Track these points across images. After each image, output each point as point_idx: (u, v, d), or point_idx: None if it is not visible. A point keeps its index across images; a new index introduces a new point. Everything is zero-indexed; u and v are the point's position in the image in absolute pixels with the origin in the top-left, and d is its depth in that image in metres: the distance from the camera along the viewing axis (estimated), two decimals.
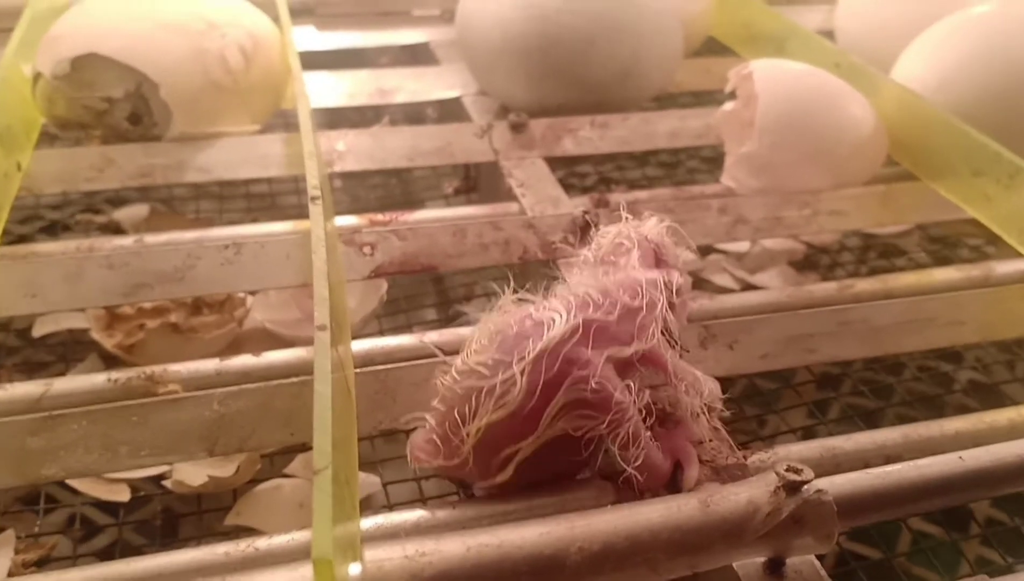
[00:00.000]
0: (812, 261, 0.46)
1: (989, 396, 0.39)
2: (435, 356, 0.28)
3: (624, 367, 0.22)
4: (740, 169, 0.39)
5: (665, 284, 0.23)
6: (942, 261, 0.45)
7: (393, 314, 0.42)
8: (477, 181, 0.49)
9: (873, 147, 0.40)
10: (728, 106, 0.41)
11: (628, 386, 0.22)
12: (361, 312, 0.37)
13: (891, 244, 0.48)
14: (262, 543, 0.22)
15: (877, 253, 0.47)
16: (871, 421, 0.37)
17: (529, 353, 0.21)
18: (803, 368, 0.39)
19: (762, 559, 0.22)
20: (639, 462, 0.22)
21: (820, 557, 0.22)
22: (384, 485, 0.31)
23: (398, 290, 0.42)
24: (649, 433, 0.23)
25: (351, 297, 0.37)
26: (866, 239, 0.48)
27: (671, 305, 0.23)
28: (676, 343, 0.24)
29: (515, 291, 0.23)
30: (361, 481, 0.31)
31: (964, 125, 0.37)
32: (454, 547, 0.20)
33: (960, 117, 0.37)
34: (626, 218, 0.26)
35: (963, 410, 0.33)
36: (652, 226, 0.25)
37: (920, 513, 0.30)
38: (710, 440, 0.26)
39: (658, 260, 0.24)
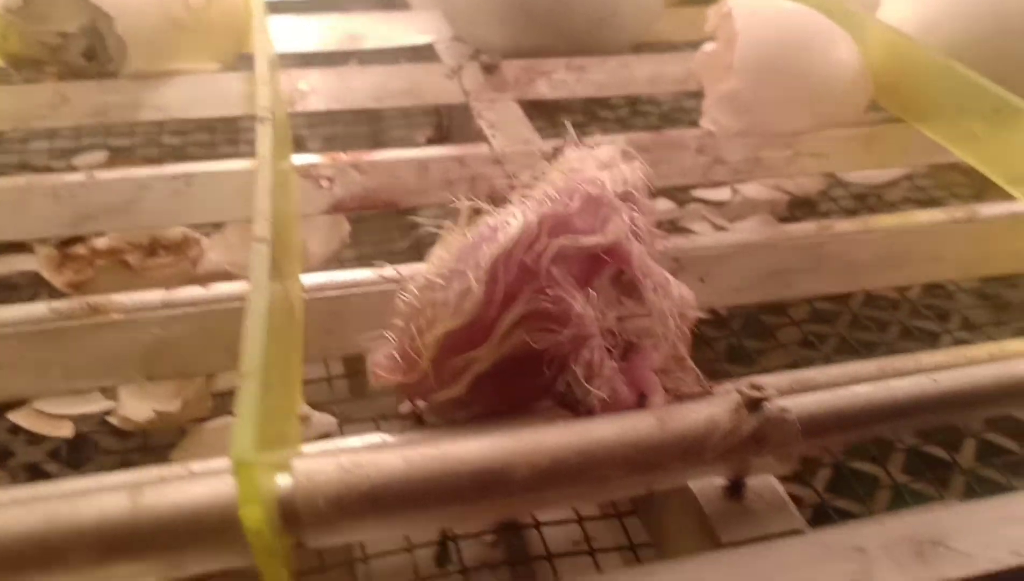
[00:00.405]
0: (795, 212, 0.45)
1: None
2: (388, 285, 0.27)
3: (588, 271, 0.21)
4: (720, 110, 0.37)
5: (626, 180, 0.21)
6: None
7: (358, 259, 0.40)
8: (450, 131, 0.47)
9: (858, 87, 0.38)
10: (708, 48, 0.40)
11: (589, 294, 0.20)
12: (322, 253, 0.36)
13: (879, 196, 0.46)
14: (198, 467, 0.21)
15: (864, 204, 0.46)
16: None
17: (485, 258, 0.20)
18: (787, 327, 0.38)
19: (721, 482, 0.21)
20: (602, 392, 0.21)
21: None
22: (340, 425, 0.30)
23: (365, 235, 0.41)
24: (614, 365, 0.22)
25: (312, 238, 0.36)
26: (853, 192, 0.47)
27: (635, 201, 0.21)
28: (644, 240, 0.22)
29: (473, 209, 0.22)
30: (316, 420, 0.30)
31: (948, 60, 0.35)
32: (393, 459, 0.19)
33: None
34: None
35: None
36: (605, 149, 0.24)
37: (888, 434, 0.29)
38: (675, 371, 0.25)
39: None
